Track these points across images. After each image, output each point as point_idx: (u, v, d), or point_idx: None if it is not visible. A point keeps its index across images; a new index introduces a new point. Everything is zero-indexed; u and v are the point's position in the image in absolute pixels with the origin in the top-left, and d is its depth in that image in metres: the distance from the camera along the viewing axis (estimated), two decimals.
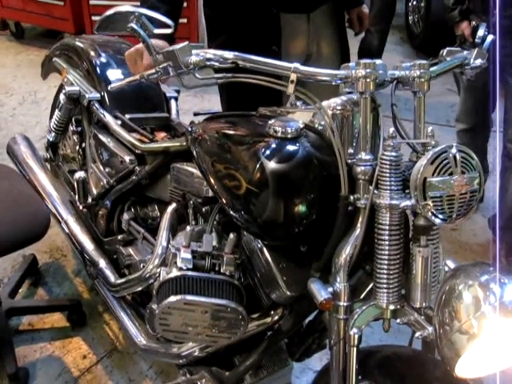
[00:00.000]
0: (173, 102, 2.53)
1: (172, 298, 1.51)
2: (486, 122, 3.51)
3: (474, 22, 3.01)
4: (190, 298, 1.51)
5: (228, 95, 2.34)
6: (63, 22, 5.86)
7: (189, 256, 1.56)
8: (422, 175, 1.20)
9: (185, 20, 5.01)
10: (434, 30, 5.86)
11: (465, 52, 1.55)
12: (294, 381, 2.24)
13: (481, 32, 1.60)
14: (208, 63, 1.33)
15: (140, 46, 1.78)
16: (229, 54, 1.34)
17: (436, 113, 4.71)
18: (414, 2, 6.44)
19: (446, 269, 1.43)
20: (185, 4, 2.97)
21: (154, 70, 1.42)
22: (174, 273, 1.55)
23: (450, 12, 3.09)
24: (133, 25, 1.43)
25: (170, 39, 1.78)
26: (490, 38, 1.60)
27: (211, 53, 1.34)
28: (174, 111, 2.48)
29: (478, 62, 1.53)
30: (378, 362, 1.47)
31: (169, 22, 1.50)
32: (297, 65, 1.31)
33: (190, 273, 1.54)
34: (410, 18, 6.52)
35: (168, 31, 1.53)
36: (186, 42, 1.35)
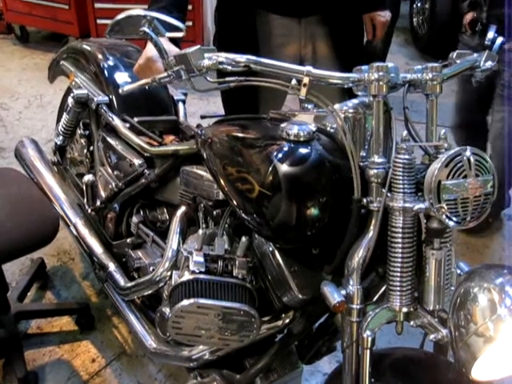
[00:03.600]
0: (180, 104, 2.53)
1: (185, 302, 1.51)
2: (482, 122, 3.50)
3: (474, 14, 3.06)
4: (202, 301, 1.51)
5: (227, 97, 2.36)
6: (68, 26, 5.89)
7: (201, 259, 1.56)
8: (437, 178, 1.20)
9: (190, 23, 5.02)
10: (439, 31, 5.87)
11: (475, 54, 1.55)
12: (304, 383, 2.23)
13: (490, 34, 1.60)
14: (220, 66, 1.33)
15: (149, 54, 1.79)
16: (241, 58, 1.33)
17: (441, 115, 4.68)
18: (419, 4, 6.44)
19: (458, 271, 1.43)
20: (190, 7, 2.98)
21: (165, 74, 1.42)
22: (187, 276, 1.55)
23: (463, 2, 3.14)
24: (145, 28, 1.43)
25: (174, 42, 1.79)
26: (499, 40, 1.60)
27: (223, 56, 1.34)
28: (181, 114, 2.48)
29: (488, 64, 1.53)
30: (390, 364, 1.47)
31: (181, 25, 1.50)
32: (309, 68, 1.31)
33: (202, 276, 1.55)
34: (415, 19, 6.53)
35: (179, 35, 1.53)
36: (198, 46, 1.35)
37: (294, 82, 1.36)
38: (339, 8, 2.25)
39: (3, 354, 2.46)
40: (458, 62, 1.52)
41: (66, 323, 2.68)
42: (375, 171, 1.31)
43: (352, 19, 2.37)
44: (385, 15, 2.46)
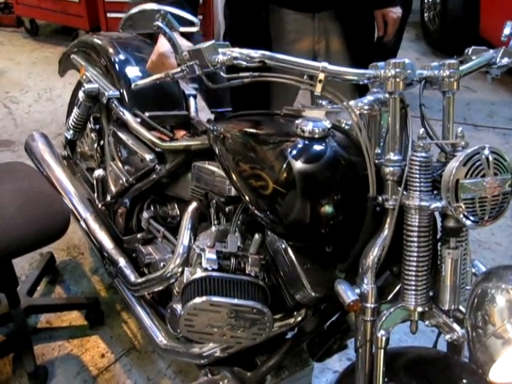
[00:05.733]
0: (191, 99, 2.51)
1: (197, 300, 1.50)
2: None
3: None
4: (215, 299, 1.50)
5: (235, 92, 2.35)
6: (78, 19, 5.88)
7: (214, 256, 1.55)
8: (455, 177, 1.18)
9: (200, 17, 5.01)
10: (450, 27, 5.84)
11: (491, 51, 1.53)
12: (314, 381, 2.22)
13: (507, 30, 1.58)
14: (235, 62, 1.32)
15: (162, 50, 1.78)
16: (255, 53, 1.32)
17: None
18: None
19: (474, 270, 1.42)
20: (200, 1, 2.98)
21: (179, 69, 1.41)
22: (199, 273, 1.53)
23: None
24: (158, 23, 1.42)
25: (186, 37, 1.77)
26: None
27: (237, 51, 1.32)
28: (192, 109, 2.46)
29: (505, 60, 1.51)
30: (404, 363, 1.46)
31: (195, 19, 1.49)
32: (325, 64, 1.29)
33: (215, 273, 1.53)
34: (426, 14, 6.48)
35: (193, 29, 1.51)
36: (213, 41, 1.34)
37: (305, 77, 1.34)
38: (352, 3, 2.23)
39: (13, 348, 2.47)
40: (474, 58, 1.50)
41: (75, 318, 2.68)
42: (391, 169, 1.30)
43: (364, 15, 2.35)
44: (396, 11, 2.43)
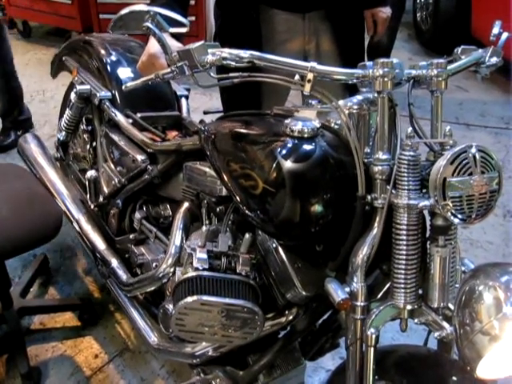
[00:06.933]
0: (183, 100, 2.52)
1: (188, 299, 1.50)
2: None
3: None
4: (206, 298, 1.51)
5: (226, 93, 2.35)
6: (70, 21, 5.87)
7: (205, 256, 1.56)
8: (442, 175, 1.19)
9: (193, 18, 5.01)
10: (443, 26, 5.86)
11: (480, 50, 1.54)
12: (307, 380, 2.22)
13: (496, 30, 1.59)
14: (224, 62, 1.32)
15: (152, 51, 1.79)
16: (244, 53, 1.32)
17: (444, 110, 4.69)
18: None
19: (463, 268, 1.43)
20: (192, 2, 2.95)
21: (169, 70, 1.41)
22: (190, 273, 1.54)
23: None
24: (148, 24, 1.43)
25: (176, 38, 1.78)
26: (504, 35, 1.59)
27: (227, 52, 1.33)
28: (184, 110, 2.47)
29: (494, 60, 1.52)
30: (394, 361, 1.46)
31: (184, 20, 1.50)
32: (314, 64, 1.30)
33: (206, 273, 1.54)
34: (418, 14, 6.49)
35: (183, 30, 1.52)
36: (202, 41, 1.34)
37: (297, 77, 1.35)
38: (342, 3, 2.24)
39: (6, 349, 2.47)
40: (463, 57, 1.51)
41: (68, 319, 2.68)
42: (380, 168, 1.31)
43: (354, 15, 2.36)
44: (386, 11, 2.44)
